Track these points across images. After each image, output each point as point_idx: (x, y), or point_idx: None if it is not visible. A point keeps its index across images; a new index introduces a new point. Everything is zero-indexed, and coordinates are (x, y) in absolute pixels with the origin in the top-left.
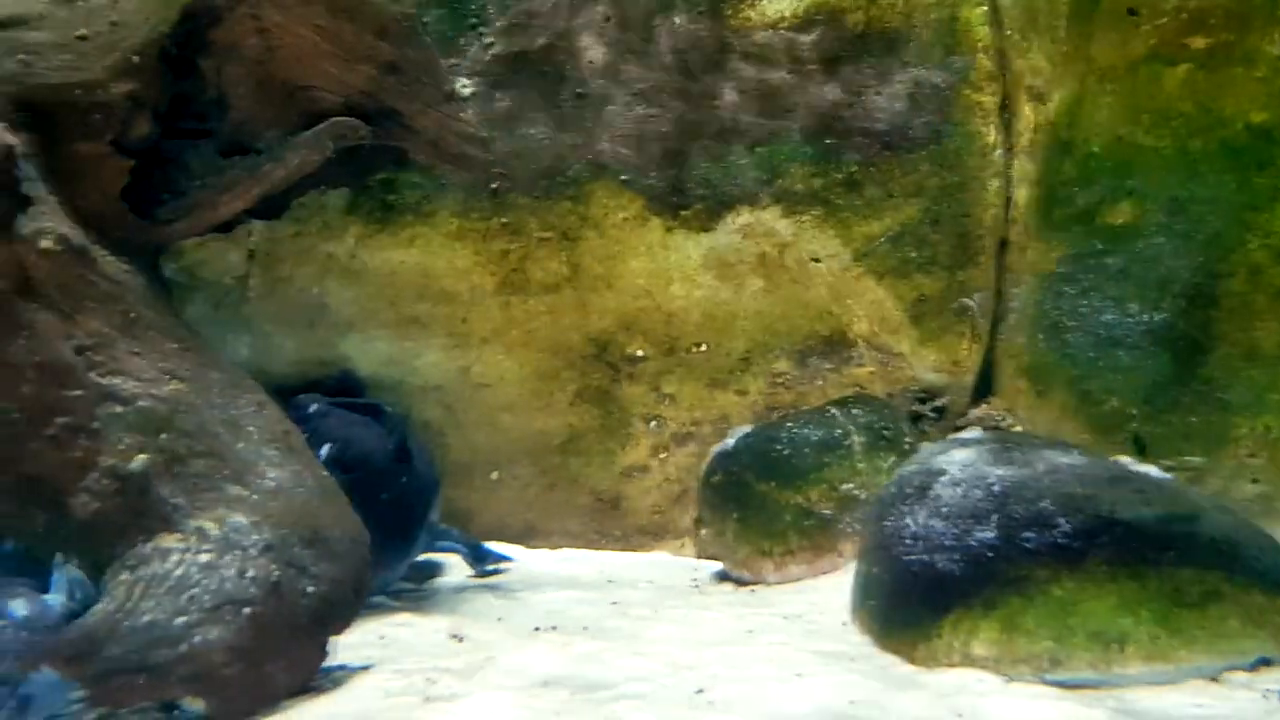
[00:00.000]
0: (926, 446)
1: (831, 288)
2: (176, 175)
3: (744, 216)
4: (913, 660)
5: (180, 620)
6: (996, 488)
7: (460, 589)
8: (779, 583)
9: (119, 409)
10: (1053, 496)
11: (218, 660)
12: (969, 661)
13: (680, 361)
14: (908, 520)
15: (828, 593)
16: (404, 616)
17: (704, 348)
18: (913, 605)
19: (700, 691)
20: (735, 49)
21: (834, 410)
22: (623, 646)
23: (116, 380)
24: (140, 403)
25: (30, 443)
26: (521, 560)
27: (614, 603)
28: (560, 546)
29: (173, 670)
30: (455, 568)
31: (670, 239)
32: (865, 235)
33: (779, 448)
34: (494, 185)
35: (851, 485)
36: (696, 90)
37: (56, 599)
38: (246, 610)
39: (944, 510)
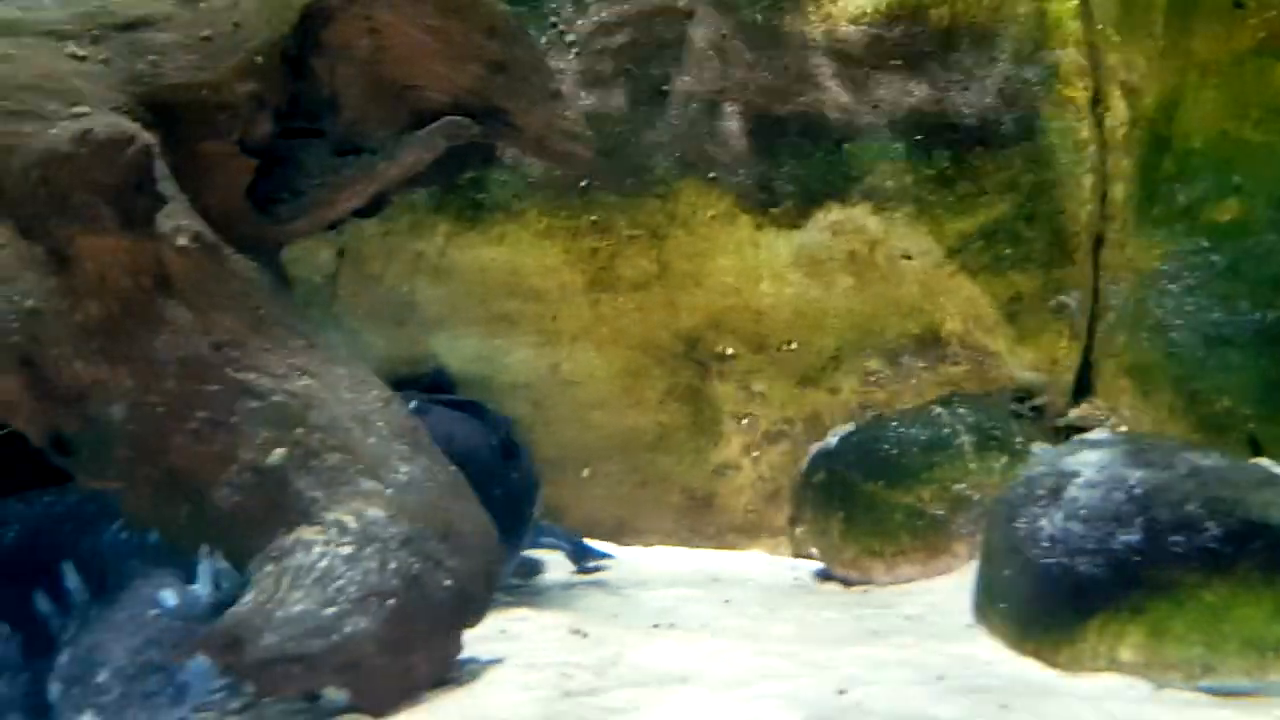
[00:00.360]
0: (1046, 447)
1: (923, 285)
2: (292, 174)
3: (833, 213)
4: (1054, 664)
5: (330, 611)
6: (1138, 490)
7: (567, 585)
8: (890, 583)
9: (255, 404)
10: (1199, 500)
11: (367, 651)
12: (1116, 667)
13: (770, 360)
14: (1043, 522)
15: (945, 594)
16: (520, 612)
17: (794, 346)
18: (1052, 609)
19: (843, 692)
20: (817, 45)
21: (939, 410)
22: (748, 645)
23: (251, 376)
24: (274, 398)
25: (173, 436)
26: (619, 557)
27: (726, 601)
28: (652, 544)
29: (326, 660)
30: (555, 564)
31: (759, 236)
32: (957, 232)
33: (885, 447)
34: (583, 183)
35: (963, 486)
36: (779, 86)
37: (203, 589)
38: (390, 602)
39: (1082, 512)
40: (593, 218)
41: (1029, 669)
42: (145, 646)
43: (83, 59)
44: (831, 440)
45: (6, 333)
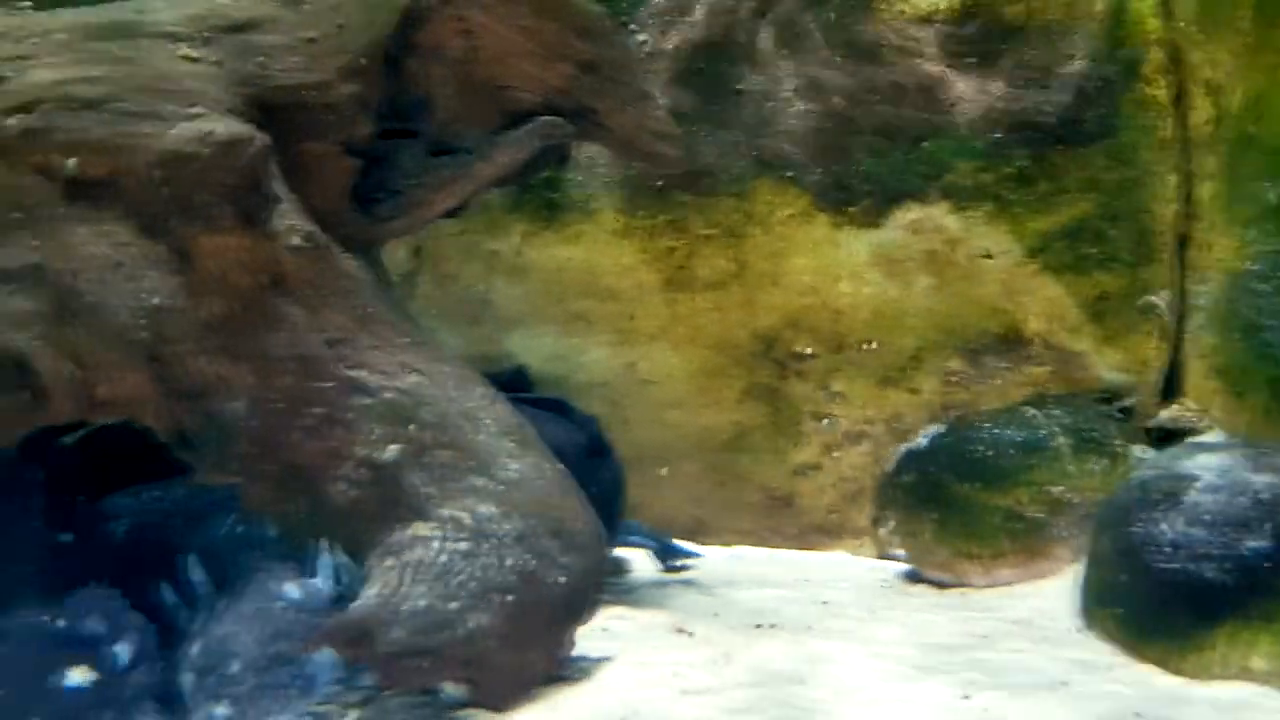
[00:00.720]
0: (1147, 450)
1: (1004, 284)
2: (388, 174)
3: (912, 212)
4: (1179, 672)
5: (452, 605)
6: (1264, 495)
7: (659, 584)
8: (987, 586)
9: (367, 401)
10: None
11: (489, 646)
12: (1246, 675)
13: (849, 359)
14: (1162, 527)
15: (1049, 598)
16: (619, 610)
17: (873, 345)
18: (1175, 615)
19: (966, 697)
20: (890, 43)
21: (1032, 411)
22: (857, 648)
23: (362, 373)
24: (385, 395)
25: (290, 432)
26: (704, 556)
27: (823, 602)
28: (731, 543)
29: (452, 654)
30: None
31: (837, 235)
32: (1038, 231)
33: (979, 448)
34: (658, 182)
35: (1062, 488)
36: (853, 85)
37: (323, 582)
38: (509, 598)
39: (1205, 518)
40: (669, 217)
41: (1153, 676)
42: (273, 638)
43: (195, 61)
44: (922, 441)
45: (134, 329)
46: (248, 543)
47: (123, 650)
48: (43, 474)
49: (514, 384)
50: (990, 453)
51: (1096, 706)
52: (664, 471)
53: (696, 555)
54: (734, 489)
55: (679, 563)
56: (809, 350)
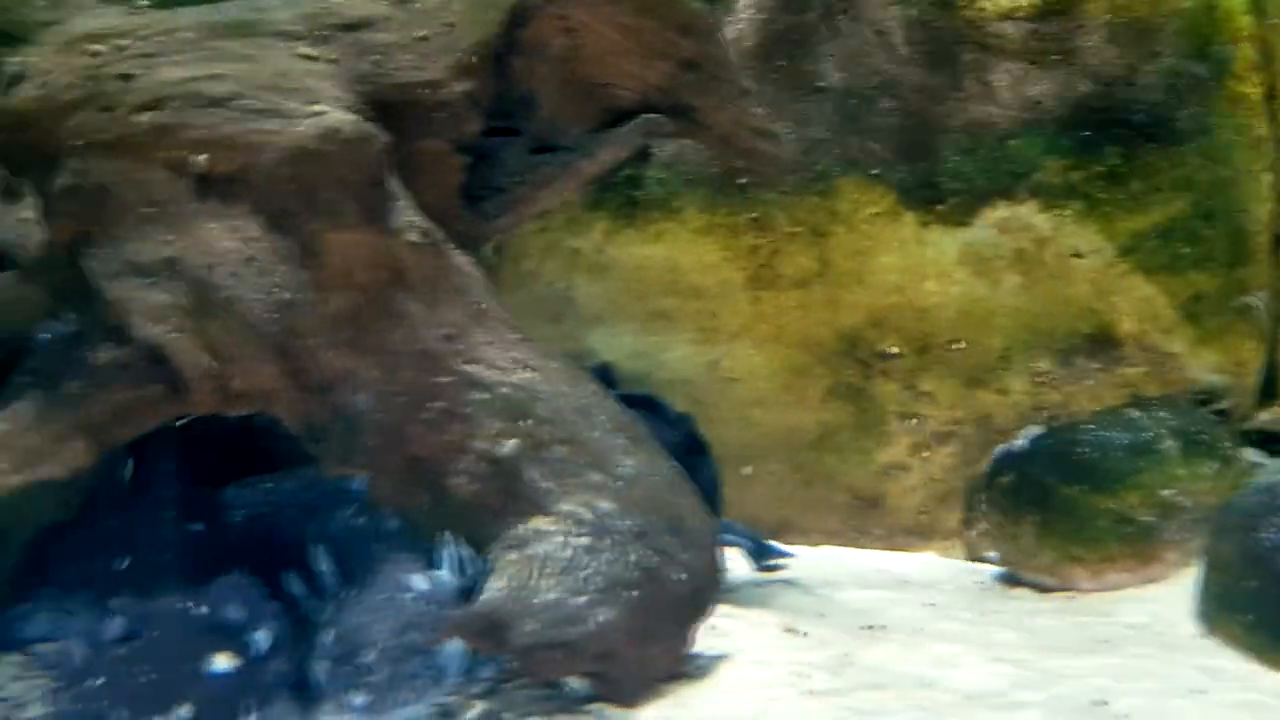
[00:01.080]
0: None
1: (1094, 284)
2: (491, 171)
3: (1000, 211)
4: None
5: (581, 600)
6: None
7: (758, 583)
8: (1095, 590)
9: (483, 396)
10: None
11: (618, 641)
12: None
13: (936, 359)
14: None
15: (1164, 603)
16: (724, 608)
17: (960, 345)
18: None
19: (1104, 703)
20: (972, 40)
21: (1136, 413)
22: (976, 652)
23: (477, 368)
24: (501, 390)
25: (412, 426)
26: (798, 555)
27: (929, 604)
28: (819, 544)
29: (585, 648)
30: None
31: (924, 234)
32: (1130, 230)
33: (1084, 450)
34: (741, 180)
35: (1171, 492)
36: (937, 82)
37: (449, 574)
38: (634, 593)
39: None
40: (752, 215)
41: None
42: (405, 629)
43: (313, 59)
44: (1021, 442)
45: (266, 323)
46: (367, 534)
47: (262, 638)
48: (173, 464)
49: (600, 381)
50: (1096, 455)
51: (1242, 716)
52: (747, 470)
53: (790, 555)
54: (820, 489)
55: (773, 562)
56: (895, 349)
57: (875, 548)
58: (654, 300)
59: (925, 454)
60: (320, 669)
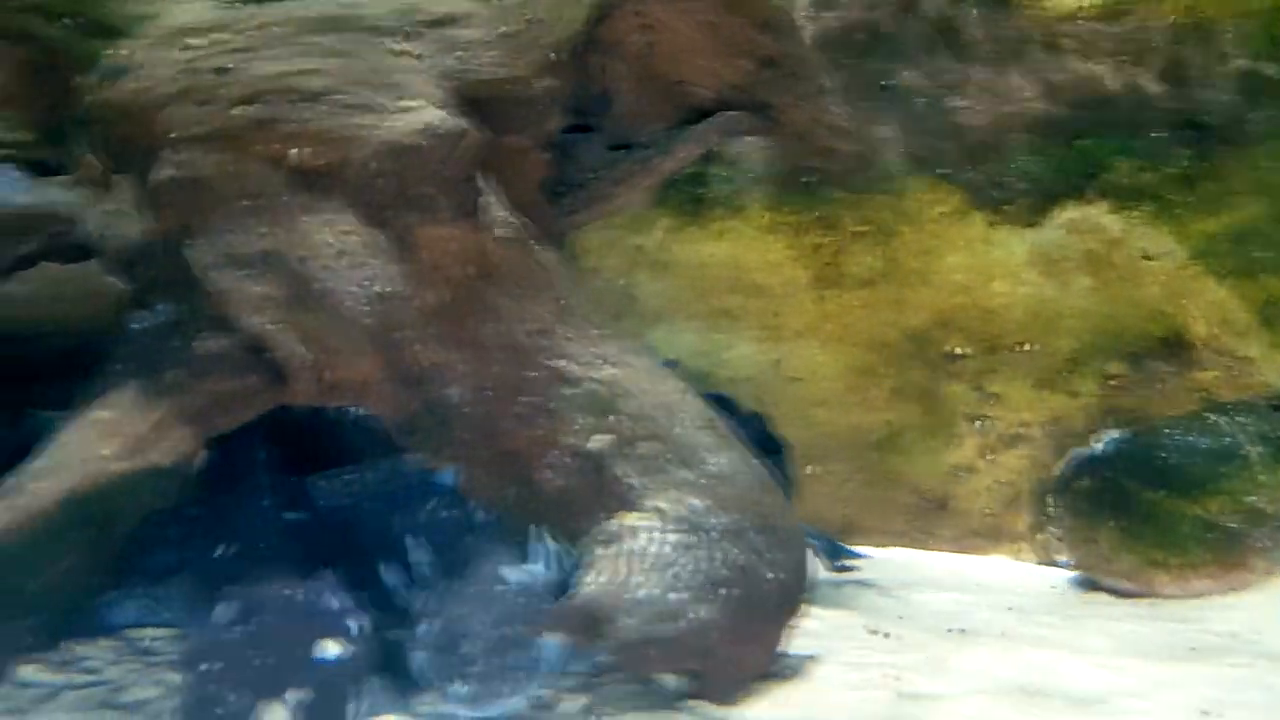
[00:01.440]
0: None
1: (1165, 287)
2: (569, 168)
3: (1070, 212)
4: None
5: (674, 597)
6: None
7: (834, 584)
8: (1178, 596)
9: (570, 391)
10: None
11: (715, 638)
12: None
13: (1004, 360)
14: None
15: (1254, 610)
16: (804, 608)
17: (1028, 347)
18: None
19: (1207, 714)
20: (1036, 40)
21: (1217, 417)
22: (1070, 657)
23: (562, 363)
24: (587, 385)
25: (502, 420)
26: (869, 557)
27: (1009, 608)
28: (883, 545)
29: (682, 645)
30: None
31: (993, 234)
32: (1203, 233)
33: (1165, 455)
34: (806, 179)
35: (1256, 498)
36: (1003, 82)
37: (541, 568)
38: (724, 591)
39: None
40: (818, 213)
41: None
42: (502, 621)
43: (401, 54)
44: (1097, 446)
45: (361, 315)
46: (455, 526)
47: (363, 626)
48: (265, 454)
49: None
50: (1176, 460)
51: None
52: (811, 470)
53: (862, 556)
54: (885, 490)
55: (846, 563)
56: (962, 350)
57: (943, 550)
58: (717, 298)
59: (993, 456)
60: (420, 658)
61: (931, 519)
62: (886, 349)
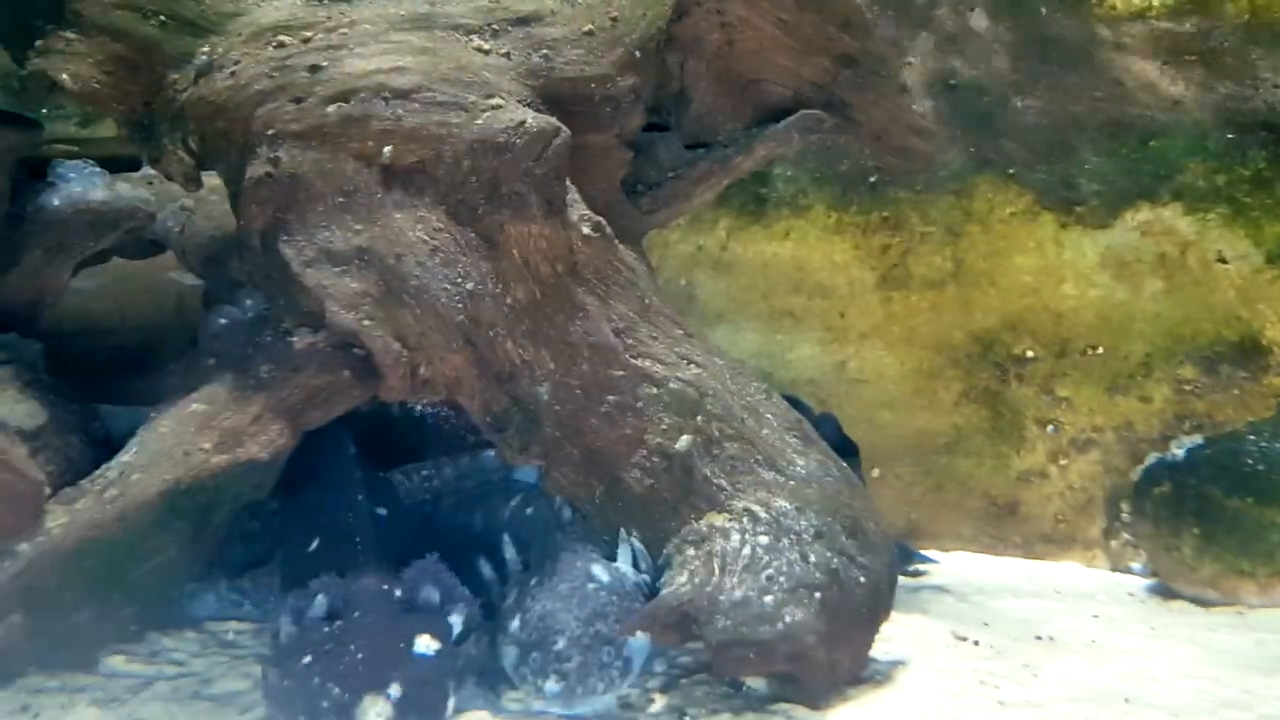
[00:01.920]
0: None
1: (1241, 290)
2: (646, 166)
3: (1142, 214)
4: None
5: (768, 599)
6: None
7: (910, 589)
8: (1265, 606)
9: (654, 390)
10: None
11: (810, 642)
12: None
13: (1074, 364)
14: None
15: None
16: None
17: (1099, 350)
18: None
19: None
20: (1104, 40)
21: None
22: (1165, 667)
23: (646, 363)
24: (671, 385)
25: (588, 419)
26: (940, 562)
27: (1095, 616)
28: (950, 549)
29: (777, 648)
30: None
31: (1064, 236)
32: (1278, 235)
33: (1250, 462)
34: (872, 179)
35: None
36: (1072, 82)
37: (627, 567)
38: (817, 595)
39: None
40: (884, 214)
41: None
42: (593, 618)
43: (487, 52)
44: (1177, 452)
45: (452, 312)
46: (537, 523)
47: (456, 621)
48: (355, 449)
49: None
50: (1262, 467)
51: None
52: (875, 473)
53: (933, 561)
54: (952, 494)
55: (918, 567)
56: (1030, 353)
57: (1013, 555)
58: (779, 299)
59: (1064, 461)
60: (512, 654)
61: (1001, 524)
62: (954, 351)
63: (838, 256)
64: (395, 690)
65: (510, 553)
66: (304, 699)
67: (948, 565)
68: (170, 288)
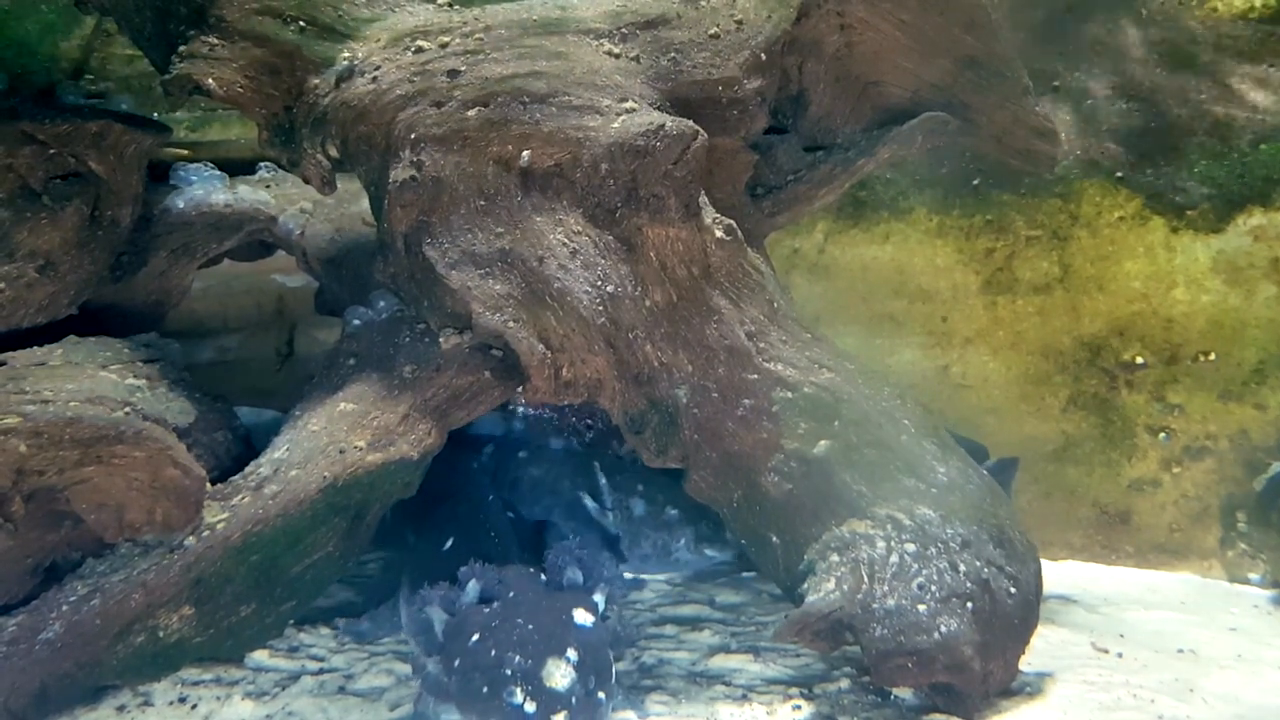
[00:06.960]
0: None
1: None
2: (767, 169)
3: (1255, 218)
4: None
5: (921, 608)
6: None
7: None
8: None
9: (788, 394)
10: None
11: (966, 653)
12: None
13: (1185, 371)
14: None
15: None
16: None
17: (1212, 357)
18: None
19: None
20: (1207, 42)
21: None
22: None
23: (779, 366)
24: (805, 389)
25: (726, 421)
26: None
27: (1232, 629)
28: (1060, 559)
29: (936, 658)
30: None
31: (1175, 240)
32: None
33: None
34: (975, 181)
35: None
36: (1177, 83)
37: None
38: (969, 605)
39: None
40: (988, 217)
41: None
42: (660, 529)
43: (617, 56)
44: None
45: (594, 314)
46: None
47: (600, 599)
48: (494, 447)
49: None
50: None
51: None
52: None
53: None
54: (1062, 502)
55: None
56: (1140, 360)
57: (1125, 565)
58: (879, 302)
59: (1177, 469)
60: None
61: (1112, 533)
62: (1061, 357)
63: (940, 260)
64: (573, 654)
65: (603, 480)
66: (481, 672)
67: (1059, 574)
68: (272, 288)
